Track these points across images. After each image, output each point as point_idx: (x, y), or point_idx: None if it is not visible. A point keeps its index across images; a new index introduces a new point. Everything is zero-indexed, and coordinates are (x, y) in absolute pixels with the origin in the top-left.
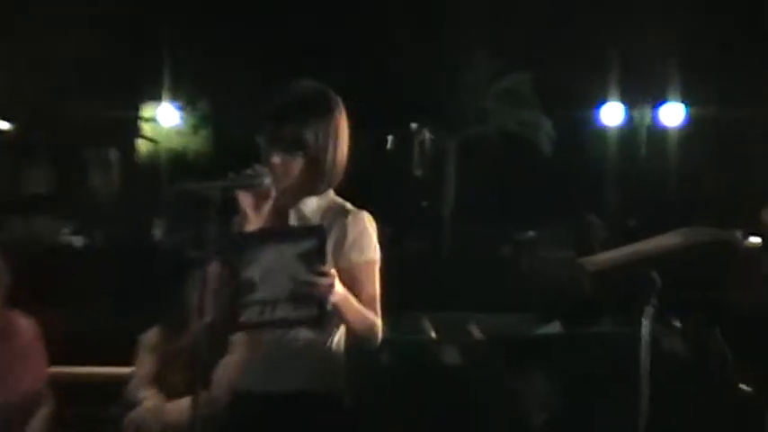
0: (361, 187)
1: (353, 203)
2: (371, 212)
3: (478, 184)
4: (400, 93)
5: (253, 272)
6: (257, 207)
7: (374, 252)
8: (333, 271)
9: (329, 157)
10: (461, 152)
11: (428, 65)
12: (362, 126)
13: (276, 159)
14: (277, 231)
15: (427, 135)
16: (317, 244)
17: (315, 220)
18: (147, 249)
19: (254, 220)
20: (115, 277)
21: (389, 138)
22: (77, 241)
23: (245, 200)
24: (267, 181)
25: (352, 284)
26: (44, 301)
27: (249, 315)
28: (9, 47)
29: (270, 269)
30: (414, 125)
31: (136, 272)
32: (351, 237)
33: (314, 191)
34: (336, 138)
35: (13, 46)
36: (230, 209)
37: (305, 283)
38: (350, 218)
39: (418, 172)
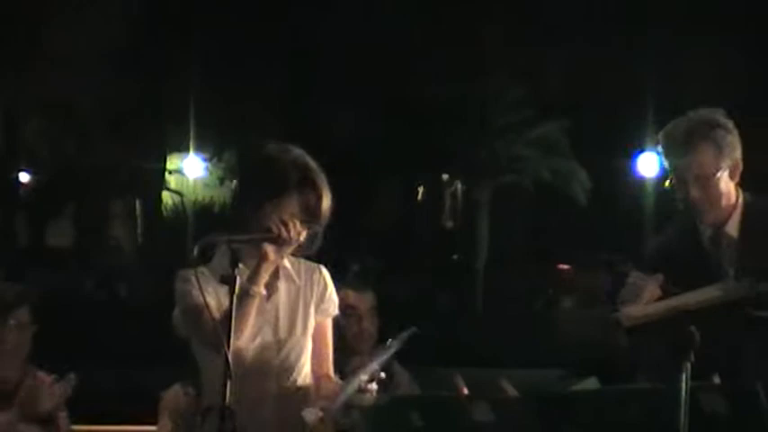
0: (390, 239)
1: (381, 256)
2: (401, 266)
3: (511, 236)
4: (431, 141)
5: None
6: (275, 261)
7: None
8: (383, 375)
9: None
10: (494, 202)
11: (459, 112)
12: (392, 176)
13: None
14: (386, 356)
15: (459, 185)
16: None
17: (295, 274)
18: (171, 303)
19: (266, 275)
20: (139, 332)
21: (420, 188)
22: (101, 295)
23: (271, 253)
24: (289, 237)
25: (322, 335)
26: (68, 357)
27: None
28: (33, 98)
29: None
30: (445, 176)
31: (160, 326)
32: (329, 290)
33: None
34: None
35: (38, 96)
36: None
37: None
38: (323, 273)
39: (449, 223)
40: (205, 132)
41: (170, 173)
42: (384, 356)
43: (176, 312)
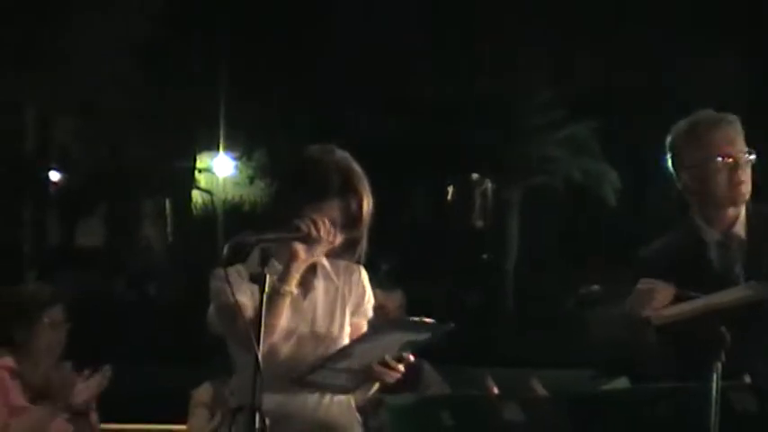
0: (419, 239)
1: (410, 255)
2: (429, 266)
3: (541, 236)
4: (461, 140)
5: (360, 347)
6: (306, 260)
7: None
8: (411, 357)
9: (365, 236)
10: (524, 202)
11: (489, 111)
12: (422, 176)
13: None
14: (411, 323)
15: (489, 185)
16: (425, 339)
17: (333, 274)
18: (202, 303)
19: (297, 274)
20: (170, 331)
21: (450, 188)
22: (132, 295)
23: (301, 252)
24: (318, 236)
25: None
26: (99, 357)
27: (316, 377)
28: (64, 97)
29: (374, 347)
30: (475, 175)
31: (191, 326)
32: (367, 292)
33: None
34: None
35: (69, 95)
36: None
37: (385, 364)
38: (362, 274)
39: (479, 223)
40: (235, 131)
41: (200, 172)
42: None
43: (211, 310)
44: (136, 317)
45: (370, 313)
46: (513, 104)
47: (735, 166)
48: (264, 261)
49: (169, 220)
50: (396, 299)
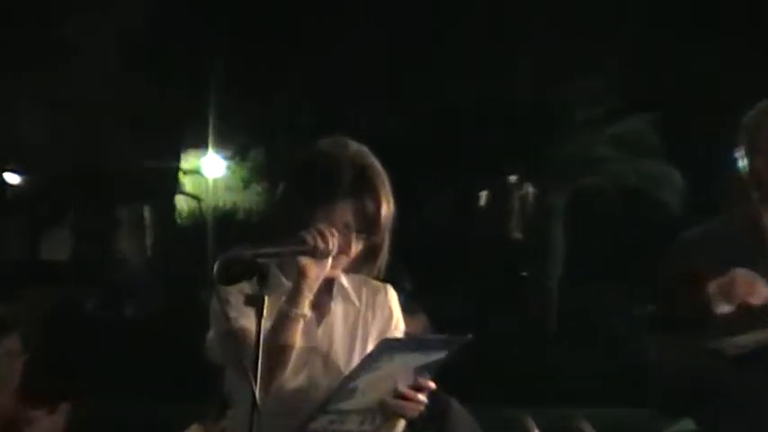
0: (446, 252)
1: (436, 272)
2: (459, 283)
3: (590, 249)
4: (494, 137)
5: (365, 379)
6: (318, 277)
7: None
8: (431, 384)
9: (386, 243)
10: (570, 209)
11: (528, 104)
12: (450, 179)
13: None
14: (419, 340)
15: (529, 189)
16: (440, 358)
17: (354, 295)
18: (188, 327)
19: (309, 294)
20: (151, 360)
21: (483, 193)
22: (105, 318)
23: (311, 268)
24: (327, 249)
25: None
26: (65, 390)
27: (320, 425)
28: (30, 89)
29: (381, 377)
30: (512, 177)
31: (175, 354)
32: (395, 316)
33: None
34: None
35: (36, 87)
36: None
37: (400, 395)
38: (390, 295)
39: (517, 234)
40: (227, 127)
41: (185, 173)
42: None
43: (211, 336)
44: (111, 343)
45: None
46: (556, 95)
47: None
48: (262, 280)
49: (149, 230)
50: (419, 324)
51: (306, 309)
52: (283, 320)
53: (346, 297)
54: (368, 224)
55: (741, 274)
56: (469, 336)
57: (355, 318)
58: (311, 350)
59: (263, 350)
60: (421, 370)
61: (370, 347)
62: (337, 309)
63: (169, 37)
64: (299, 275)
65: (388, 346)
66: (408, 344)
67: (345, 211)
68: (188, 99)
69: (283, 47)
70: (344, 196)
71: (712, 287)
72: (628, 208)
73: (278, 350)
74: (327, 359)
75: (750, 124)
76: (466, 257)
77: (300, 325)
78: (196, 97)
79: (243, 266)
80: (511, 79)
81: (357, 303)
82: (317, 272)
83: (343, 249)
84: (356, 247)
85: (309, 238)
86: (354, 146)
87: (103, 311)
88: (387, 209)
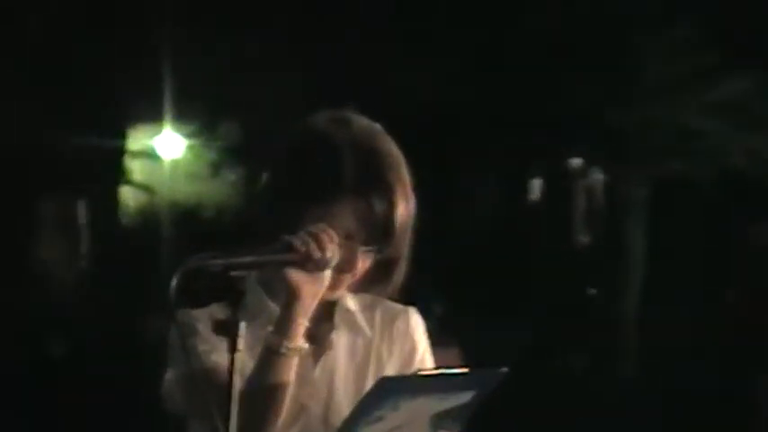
0: (486, 263)
1: (474, 282)
2: (504, 305)
3: (681, 256)
4: (550, 109)
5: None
6: (314, 298)
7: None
8: None
9: (404, 255)
10: (653, 203)
11: (596, 58)
12: (487, 163)
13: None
14: (437, 379)
15: (598, 176)
16: (467, 402)
17: (364, 321)
18: (136, 366)
19: (304, 320)
20: (86, 411)
21: (535, 182)
22: (24, 349)
23: (305, 285)
24: (324, 258)
25: None
26: None
27: None
28: None
29: (398, 426)
30: (576, 161)
31: (115, 400)
32: (420, 349)
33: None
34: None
35: None
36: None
37: None
38: (412, 321)
39: (583, 237)
40: (189, 95)
41: (134, 156)
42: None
43: (170, 376)
44: (27, 385)
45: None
46: (633, 45)
47: None
48: (237, 300)
49: (83, 232)
50: (451, 358)
51: (300, 341)
52: (271, 357)
53: (353, 324)
54: (377, 231)
55: None
56: (504, 370)
57: (365, 352)
58: (307, 396)
59: (244, 397)
60: (441, 420)
61: None
62: (341, 340)
63: None
64: (290, 295)
65: (387, 388)
66: (417, 384)
67: (346, 215)
68: (136, 60)
69: None
70: (344, 194)
71: None
72: (733, 199)
73: (265, 397)
74: (328, 409)
75: None
76: (513, 271)
77: (294, 363)
78: (147, 57)
79: (211, 281)
80: (571, 25)
81: (368, 333)
82: (312, 290)
83: (345, 266)
84: (363, 263)
85: (299, 244)
86: (359, 122)
87: (20, 346)
88: (404, 210)
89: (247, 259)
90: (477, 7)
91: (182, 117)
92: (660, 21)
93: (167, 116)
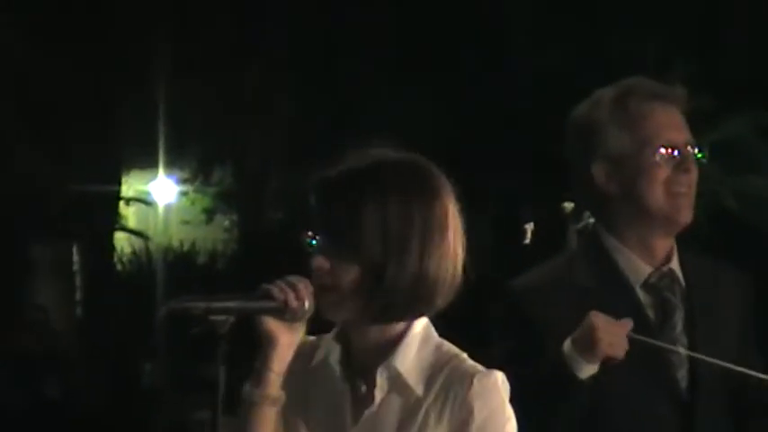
0: (475, 313)
1: (462, 341)
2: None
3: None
4: (542, 145)
5: None
6: (291, 345)
7: None
8: None
9: (409, 269)
10: None
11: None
12: (478, 205)
13: (320, 263)
14: None
15: (590, 220)
16: None
17: (415, 383)
18: (127, 416)
19: (279, 368)
20: None
21: (528, 226)
22: (16, 400)
23: (280, 333)
24: (302, 309)
25: None
26: None
27: None
28: None
29: None
30: (568, 204)
31: None
32: (478, 420)
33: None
34: (427, 236)
35: None
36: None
37: None
38: (475, 388)
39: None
40: (183, 141)
41: (128, 203)
42: None
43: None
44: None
45: None
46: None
47: (680, 163)
48: (215, 344)
49: (78, 278)
50: None
51: (275, 390)
52: (246, 408)
53: (396, 382)
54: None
55: (600, 321)
56: None
57: (412, 412)
58: None
59: None
60: None
61: None
62: (386, 398)
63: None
64: (266, 344)
65: None
66: None
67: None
68: (131, 103)
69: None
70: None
71: (566, 345)
72: (727, 242)
73: None
74: None
75: (591, 117)
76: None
77: (271, 413)
78: (141, 100)
79: (191, 324)
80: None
81: (417, 392)
82: (288, 338)
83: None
84: (346, 274)
85: (278, 292)
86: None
87: (12, 387)
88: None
89: (227, 304)
90: (470, 48)
91: (176, 163)
92: (659, 63)
93: (161, 162)
